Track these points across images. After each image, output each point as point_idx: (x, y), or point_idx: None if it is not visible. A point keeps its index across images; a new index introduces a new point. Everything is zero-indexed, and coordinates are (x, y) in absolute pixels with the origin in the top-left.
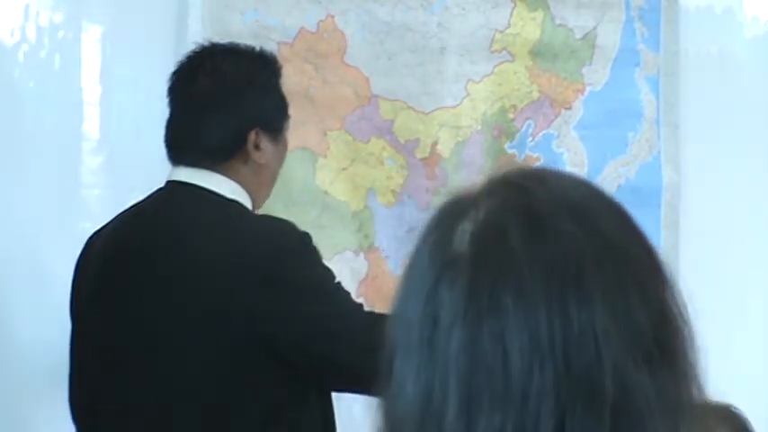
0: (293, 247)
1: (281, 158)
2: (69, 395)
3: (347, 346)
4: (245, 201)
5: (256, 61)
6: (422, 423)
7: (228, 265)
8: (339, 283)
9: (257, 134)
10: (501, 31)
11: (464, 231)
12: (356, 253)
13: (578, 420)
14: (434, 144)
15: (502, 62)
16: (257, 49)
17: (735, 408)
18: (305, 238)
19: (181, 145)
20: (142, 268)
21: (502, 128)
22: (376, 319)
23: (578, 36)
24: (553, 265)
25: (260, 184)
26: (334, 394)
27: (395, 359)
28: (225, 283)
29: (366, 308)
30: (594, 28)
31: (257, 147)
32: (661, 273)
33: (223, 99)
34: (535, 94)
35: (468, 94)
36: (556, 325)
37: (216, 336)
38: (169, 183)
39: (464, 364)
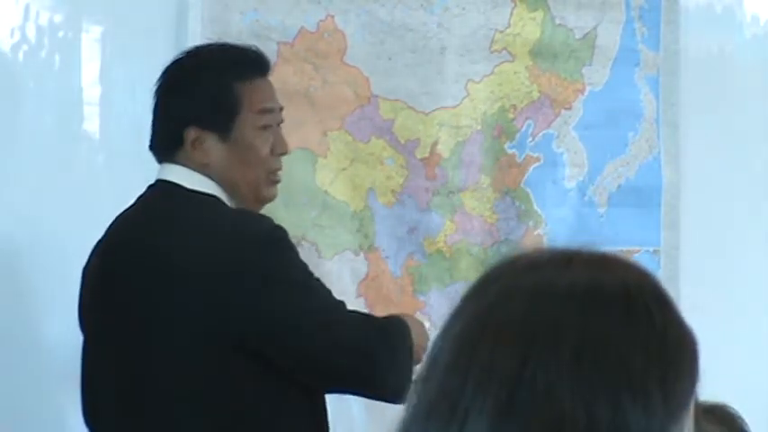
0: (272, 242)
1: (241, 157)
2: (81, 399)
3: (328, 341)
4: (211, 190)
5: (214, 59)
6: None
7: (208, 261)
8: (318, 279)
9: (196, 133)
10: (501, 31)
11: (496, 286)
12: (356, 253)
13: None
14: (434, 144)
15: (502, 62)
16: (237, 45)
17: (730, 407)
18: (282, 233)
19: (150, 144)
20: (132, 271)
21: (502, 128)
22: (356, 316)
23: (578, 36)
24: (546, 332)
25: (229, 178)
26: (335, 395)
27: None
28: (206, 281)
29: (365, 309)
30: (594, 28)
31: (196, 145)
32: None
33: (165, 97)
34: (535, 94)
35: (468, 94)
36: (527, 373)
37: (201, 334)
38: (156, 181)
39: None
